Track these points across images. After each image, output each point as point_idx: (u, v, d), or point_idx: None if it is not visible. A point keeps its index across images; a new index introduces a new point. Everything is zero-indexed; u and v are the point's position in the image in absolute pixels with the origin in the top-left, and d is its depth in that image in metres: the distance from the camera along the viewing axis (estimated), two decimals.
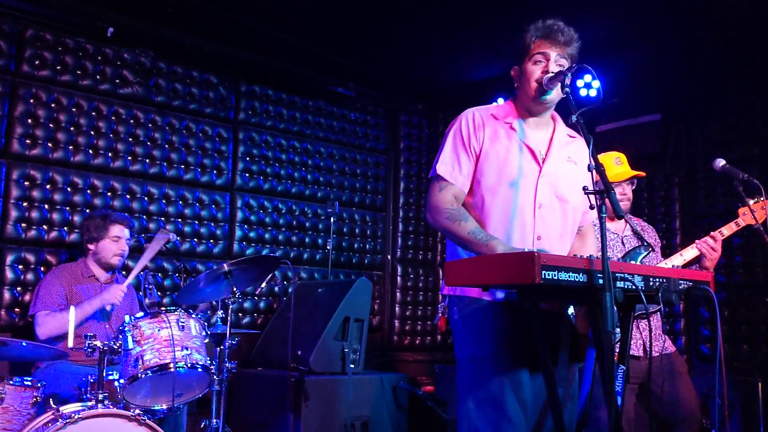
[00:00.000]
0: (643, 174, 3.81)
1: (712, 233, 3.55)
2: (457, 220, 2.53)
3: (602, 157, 3.78)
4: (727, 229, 3.58)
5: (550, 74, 2.55)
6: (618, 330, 2.40)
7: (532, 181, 2.60)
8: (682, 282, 2.43)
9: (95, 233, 4.23)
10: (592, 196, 2.21)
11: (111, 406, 3.23)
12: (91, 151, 4.94)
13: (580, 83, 5.61)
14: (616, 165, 3.77)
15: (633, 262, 3.58)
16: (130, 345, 3.43)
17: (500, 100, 6.15)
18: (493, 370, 2.49)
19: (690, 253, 3.59)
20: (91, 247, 4.24)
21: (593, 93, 5.65)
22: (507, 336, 2.49)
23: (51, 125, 4.78)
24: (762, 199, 3.52)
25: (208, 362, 3.60)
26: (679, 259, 3.60)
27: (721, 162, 3.66)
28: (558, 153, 2.69)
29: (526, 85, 2.62)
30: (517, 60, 2.68)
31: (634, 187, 3.85)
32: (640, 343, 3.58)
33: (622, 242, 3.74)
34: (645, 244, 3.69)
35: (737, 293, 5.42)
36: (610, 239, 3.70)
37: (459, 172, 2.62)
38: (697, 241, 3.59)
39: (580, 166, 2.72)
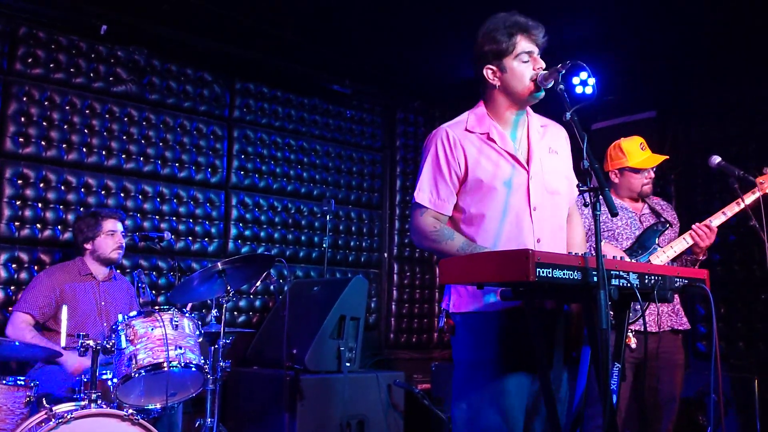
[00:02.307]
0: (667, 157, 3.82)
1: (699, 225, 3.56)
2: (443, 240, 2.55)
3: (627, 142, 3.81)
4: (729, 210, 3.58)
5: (545, 72, 2.54)
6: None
7: (522, 186, 2.58)
8: (678, 279, 2.42)
9: (89, 232, 4.21)
10: (587, 193, 2.20)
11: (104, 406, 3.23)
12: (84, 150, 4.92)
13: (575, 80, 5.59)
14: (642, 150, 3.79)
15: (652, 239, 3.61)
16: (124, 344, 3.41)
17: None
18: (488, 375, 2.49)
19: (680, 245, 3.59)
20: (88, 246, 4.22)
21: (588, 90, 5.63)
22: (505, 343, 2.49)
23: (44, 123, 4.76)
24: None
25: (202, 361, 3.58)
26: (670, 251, 3.59)
27: (716, 159, 3.66)
28: (538, 148, 2.67)
29: (518, 84, 2.58)
30: (490, 59, 2.61)
31: (655, 169, 3.86)
32: (655, 318, 3.59)
33: (640, 221, 3.75)
34: (662, 220, 3.70)
35: (734, 290, 5.42)
36: (627, 218, 3.73)
37: (437, 197, 2.62)
38: (692, 227, 3.58)
39: (561, 153, 2.73)
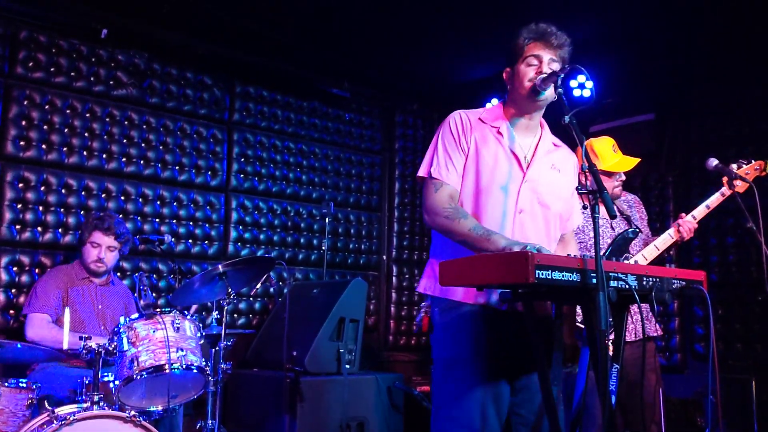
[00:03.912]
0: (639, 160, 3.81)
1: (687, 221, 3.58)
2: (455, 218, 2.53)
3: (599, 143, 3.78)
4: (699, 213, 3.60)
5: (543, 75, 2.57)
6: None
7: (515, 186, 2.61)
8: (676, 281, 2.44)
9: (83, 235, 4.22)
10: (584, 197, 2.22)
11: (106, 408, 3.24)
12: (85, 153, 4.93)
13: (573, 84, 5.62)
14: (614, 153, 3.76)
15: (624, 248, 3.61)
16: (125, 346, 3.42)
17: (494, 101, 6.19)
18: (467, 373, 2.51)
19: (662, 242, 3.60)
20: (81, 248, 4.24)
21: (587, 93, 5.66)
22: (482, 342, 2.52)
23: (45, 127, 4.78)
24: (746, 165, 3.58)
25: (203, 363, 3.59)
26: (654, 250, 3.60)
27: (713, 161, 3.68)
28: (542, 160, 2.71)
29: (519, 85, 2.63)
30: (509, 62, 2.69)
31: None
32: (631, 327, 3.61)
33: (612, 227, 3.75)
34: (633, 228, 3.71)
35: (731, 292, 5.44)
36: (599, 226, 3.71)
37: (453, 173, 2.63)
38: (675, 223, 3.61)
39: (564, 174, 2.75)
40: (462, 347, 2.54)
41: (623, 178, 3.79)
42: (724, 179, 3.61)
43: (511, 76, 2.68)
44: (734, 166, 3.62)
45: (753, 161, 3.63)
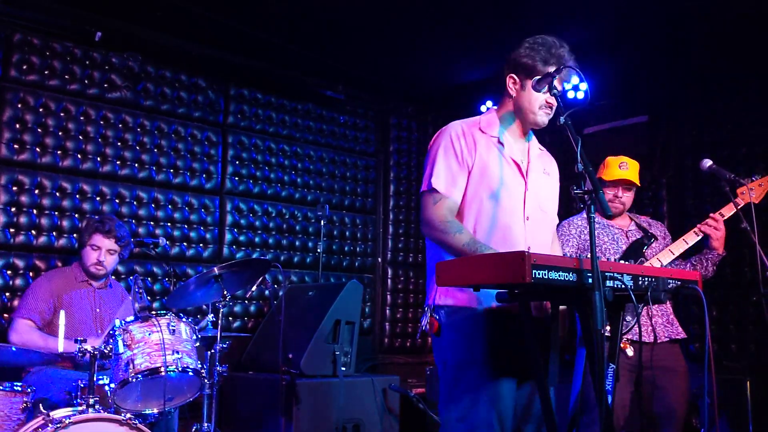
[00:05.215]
0: (632, 180, 3.78)
1: (712, 215, 3.61)
2: (451, 232, 2.54)
3: (612, 158, 3.84)
4: (727, 210, 3.63)
5: (538, 77, 2.58)
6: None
7: (519, 194, 2.66)
8: (671, 281, 2.45)
9: (82, 238, 4.20)
10: (580, 197, 2.24)
11: (102, 411, 3.22)
12: (79, 156, 4.92)
13: (567, 86, 5.63)
14: (619, 169, 3.79)
15: (638, 253, 3.65)
16: (121, 349, 3.41)
17: (489, 103, 6.19)
18: (476, 375, 2.52)
19: (692, 238, 3.63)
20: (80, 251, 4.22)
21: (581, 95, 5.67)
22: (493, 343, 2.52)
23: (39, 130, 4.77)
24: (759, 177, 3.62)
25: (199, 366, 3.58)
26: (682, 245, 3.63)
27: (707, 162, 3.70)
28: (536, 165, 2.78)
29: (528, 108, 2.67)
30: (518, 69, 2.68)
31: (630, 193, 3.84)
32: (650, 329, 3.62)
33: (626, 236, 3.78)
34: (648, 235, 3.73)
35: (725, 293, 5.45)
36: (614, 234, 3.75)
37: (453, 185, 2.64)
38: (698, 225, 3.63)
39: (552, 177, 2.85)
40: (474, 349, 2.54)
41: (619, 196, 3.79)
42: (739, 191, 3.63)
43: (518, 88, 2.69)
44: (756, 176, 3.66)
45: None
